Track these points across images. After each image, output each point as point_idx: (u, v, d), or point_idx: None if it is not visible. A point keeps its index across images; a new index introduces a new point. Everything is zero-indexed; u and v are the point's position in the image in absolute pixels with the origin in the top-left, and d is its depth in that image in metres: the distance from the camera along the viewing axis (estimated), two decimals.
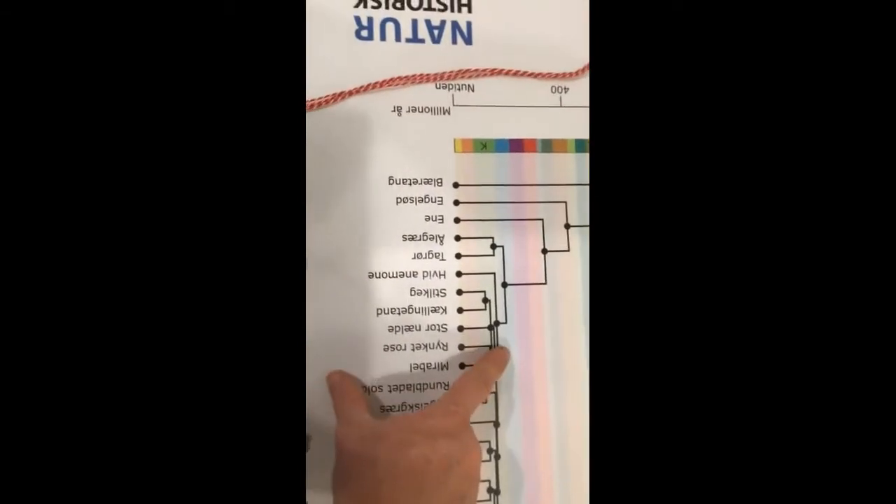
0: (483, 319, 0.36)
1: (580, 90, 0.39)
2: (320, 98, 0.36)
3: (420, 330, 0.36)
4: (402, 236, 0.36)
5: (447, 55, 0.38)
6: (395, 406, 0.35)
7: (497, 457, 0.36)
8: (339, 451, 0.29)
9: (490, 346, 0.36)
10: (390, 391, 0.35)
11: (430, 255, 0.36)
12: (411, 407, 0.35)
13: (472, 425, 0.33)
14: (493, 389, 0.36)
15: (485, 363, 0.34)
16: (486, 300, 0.37)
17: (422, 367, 0.36)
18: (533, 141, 0.38)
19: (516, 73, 0.38)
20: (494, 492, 0.35)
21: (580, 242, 0.37)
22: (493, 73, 0.38)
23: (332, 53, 0.37)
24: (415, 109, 0.37)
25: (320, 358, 0.34)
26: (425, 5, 0.38)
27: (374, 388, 0.35)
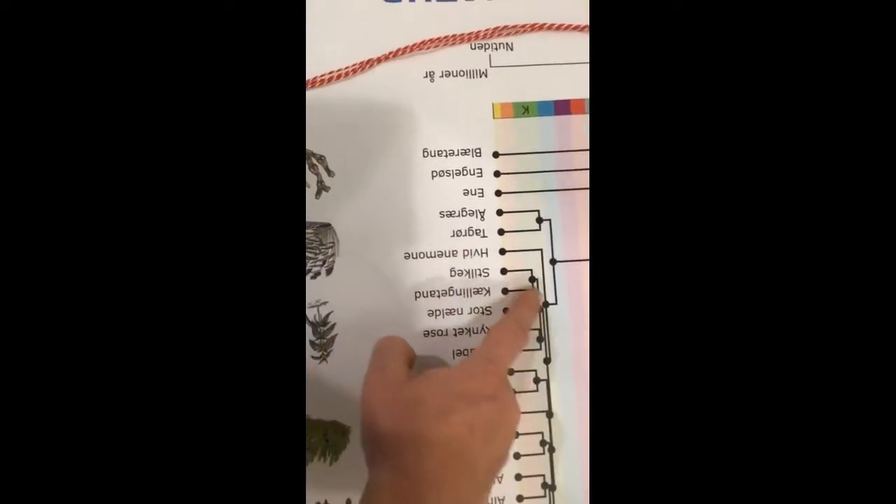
0: None
1: None
2: (347, 67, 0.34)
3: (462, 313, 0.33)
4: (440, 213, 0.33)
5: (482, 12, 0.35)
6: None
7: (551, 450, 0.33)
8: (372, 414, 0.26)
9: (539, 330, 0.33)
10: None
11: (471, 232, 0.33)
12: None
13: (524, 416, 0.30)
14: (545, 376, 0.33)
15: (518, 309, 0.32)
16: (533, 279, 0.33)
17: (465, 352, 0.33)
18: (581, 101, 0.34)
19: (559, 27, 0.35)
20: (550, 487, 0.32)
21: None
22: (534, 28, 0.35)
23: (358, 19, 0.34)
24: (449, 74, 0.34)
25: (355, 345, 0.32)
26: None
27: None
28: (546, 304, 0.33)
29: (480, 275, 0.33)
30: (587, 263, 0.33)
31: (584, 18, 0.35)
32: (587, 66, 0.34)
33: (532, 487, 0.32)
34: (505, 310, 0.33)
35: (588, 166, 0.34)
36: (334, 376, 0.32)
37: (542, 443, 0.33)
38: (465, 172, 0.34)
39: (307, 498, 0.31)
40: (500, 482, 0.32)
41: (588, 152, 0.34)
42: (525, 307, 0.32)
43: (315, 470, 0.32)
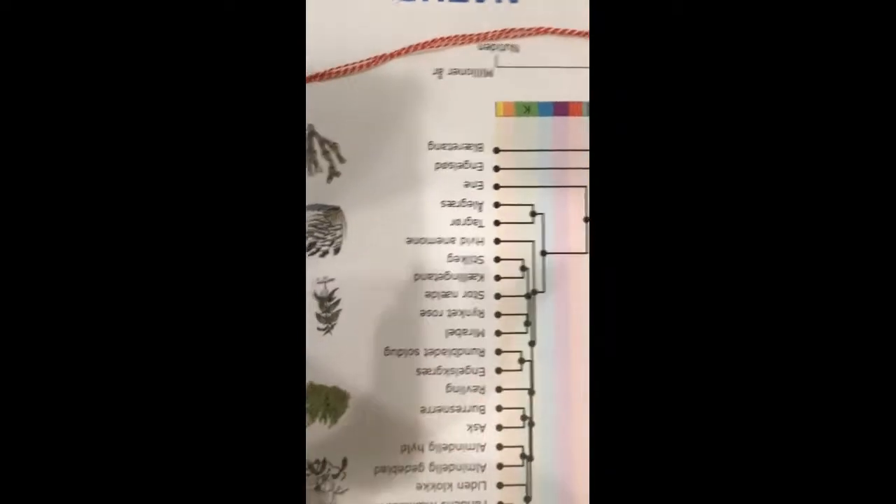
0: (520, 288, 0.36)
1: None
2: (362, 61, 0.36)
3: (457, 296, 0.36)
4: (441, 202, 0.36)
5: (491, 14, 0.37)
6: (430, 369, 0.36)
7: (531, 424, 0.36)
8: None
9: (526, 315, 0.36)
10: (426, 355, 0.36)
11: (469, 222, 0.36)
12: (446, 371, 0.36)
13: (508, 392, 0.32)
14: (530, 358, 0.36)
15: None
16: (523, 268, 0.36)
17: (457, 332, 0.36)
18: (578, 104, 0.36)
19: (563, 32, 0.37)
20: (528, 458, 0.36)
21: None
22: (539, 31, 0.37)
23: (372, 15, 0.36)
24: (456, 72, 0.36)
25: (357, 320, 0.35)
26: None
27: (409, 352, 0.35)
28: (534, 292, 0.36)
29: (475, 261, 0.36)
30: (576, 256, 0.36)
31: (587, 24, 0.36)
32: (587, 70, 0.36)
33: (511, 457, 0.35)
34: (497, 296, 0.36)
35: (583, 165, 0.36)
36: (337, 347, 0.35)
37: (523, 417, 0.36)
38: (466, 166, 0.36)
39: (307, 456, 0.35)
40: (482, 450, 0.35)
41: (583, 152, 0.36)
42: None
43: (315, 431, 0.35)
